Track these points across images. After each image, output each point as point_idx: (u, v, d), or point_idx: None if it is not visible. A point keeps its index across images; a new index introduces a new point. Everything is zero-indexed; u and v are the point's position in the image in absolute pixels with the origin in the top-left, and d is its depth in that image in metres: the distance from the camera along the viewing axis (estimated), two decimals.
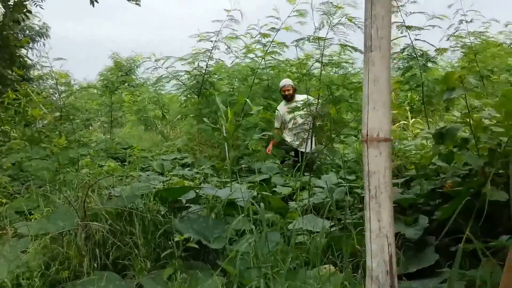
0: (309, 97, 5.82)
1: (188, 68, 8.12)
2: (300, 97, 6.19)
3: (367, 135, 1.71)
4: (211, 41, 7.63)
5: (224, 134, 4.69)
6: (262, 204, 2.63)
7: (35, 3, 5.12)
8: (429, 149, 4.43)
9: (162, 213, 3.16)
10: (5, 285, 2.45)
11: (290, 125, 5.91)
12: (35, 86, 10.20)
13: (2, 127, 6.38)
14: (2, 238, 3.13)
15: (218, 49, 7.80)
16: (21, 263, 2.60)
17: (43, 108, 6.20)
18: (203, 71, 7.84)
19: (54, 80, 6.99)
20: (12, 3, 5.29)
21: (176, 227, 2.94)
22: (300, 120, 5.50)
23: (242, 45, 7.95)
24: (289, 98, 6.60)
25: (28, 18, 5.30)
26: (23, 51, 6.14)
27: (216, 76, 8.69)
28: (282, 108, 6.69)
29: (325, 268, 2.64)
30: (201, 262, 2.93)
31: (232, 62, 8.46)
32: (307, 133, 5.33)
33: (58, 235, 2.85)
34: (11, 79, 5.87)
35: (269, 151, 6.87)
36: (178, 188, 3.43)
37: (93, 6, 5.74)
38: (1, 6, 5.39)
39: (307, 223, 3.22)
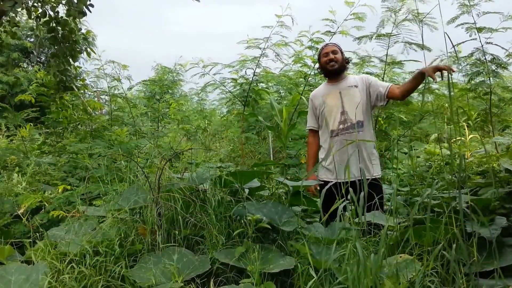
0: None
1: (235, 76, 7.88)
2: (354, 77, 3.70)
3: None
4: (260, 48, 7.13)
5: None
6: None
7: None
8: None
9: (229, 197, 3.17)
10: (86, 251, 2.46)
11: (332, 126, 3.54)
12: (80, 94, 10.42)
13: (55, 129, 6.55)
14: (73, 219, 3.14)
15: (267, 56, 7.27)
16: (100, 232, 2.62)
17: (91, 108, 6.31)
18: (250, 79, 7.62)
19: (109, 77, 6.93)
20: None
21: (248, 208, 2.94)
22: (354, 117, 3.47)
23: (292, 52, 7.54)
24: (336, 72, 3.64)
25: (91, 12, 5.22)
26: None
27: (263, 84, 8.51)
28: (320, 93, 3.73)
29: (400, 256, 2.57)
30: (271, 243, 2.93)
31: (281, 69, 8.24)
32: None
33: (130, 211, 2.88)
34: (69, 75, 5.96)
35: (313, 190, 3.77)
36: (248, 172, 3.36)
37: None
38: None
39: (376, 218, 3.14)
